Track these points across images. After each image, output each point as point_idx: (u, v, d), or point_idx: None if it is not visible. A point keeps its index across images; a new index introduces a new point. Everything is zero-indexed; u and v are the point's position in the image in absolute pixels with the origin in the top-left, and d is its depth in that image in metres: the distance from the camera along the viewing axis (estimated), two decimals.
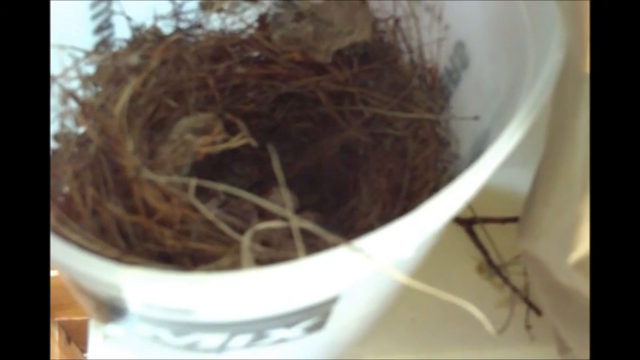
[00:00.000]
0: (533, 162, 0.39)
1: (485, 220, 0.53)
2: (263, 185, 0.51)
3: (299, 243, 0.30)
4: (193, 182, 0.36)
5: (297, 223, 0.31)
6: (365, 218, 0.43)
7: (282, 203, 0.49)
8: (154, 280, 0.27)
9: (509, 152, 0.30)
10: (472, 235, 0.54)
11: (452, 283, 0.52)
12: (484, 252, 0.53)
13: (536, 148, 0.38)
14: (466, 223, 0.54)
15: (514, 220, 0.52)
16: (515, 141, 0.31)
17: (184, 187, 0.37)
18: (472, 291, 0.52)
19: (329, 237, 0.30)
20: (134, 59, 0.41)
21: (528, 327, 0.51)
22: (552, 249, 0.36)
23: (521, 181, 0.42)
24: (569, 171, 0.34)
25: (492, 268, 0.53)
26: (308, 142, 0.50)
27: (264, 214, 0.48)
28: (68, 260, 0.28)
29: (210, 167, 0.49)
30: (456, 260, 0.54)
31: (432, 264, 0.39)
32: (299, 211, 0.49)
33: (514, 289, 0.52)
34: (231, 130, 0.42)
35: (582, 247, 0.34)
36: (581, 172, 0.33)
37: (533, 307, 0.51)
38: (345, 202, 0.47)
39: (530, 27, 0.36)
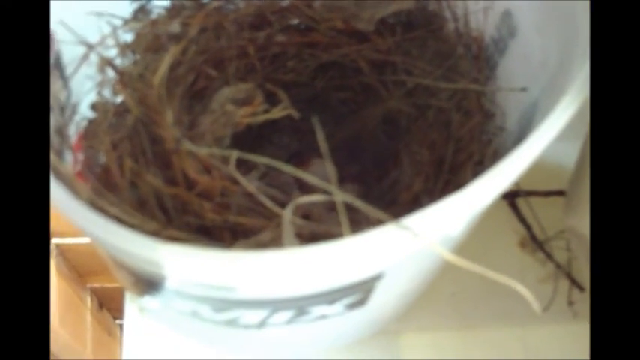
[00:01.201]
0: (579, 135, 0.38)
1: (529, 194, 0.52)
2: (302, 156, 0.50)
3: (344, 219, 0.29)
4: (234, 155, 0.35)
5: (340, 197, 0.30)
6: (407, 191, 0.42)
7: (324, 176, 0.49)
8: (195, 256, 0.27)
9: (560, 129, 0.29)
10: (515, 208, 0.52)
11: (494, 257, 0.50)
12: (527, 226, 0.52)
13: (583, 120, 0.37)
14: (509, 196, 0.53)
15: (558, 193, 0.51)
16: (567, 118, 0.30)
17: (225, 160, 0.37)
18: (514, 266, 0.51)
19: (374, 212, 0.29)
20: (175, 27, 0.40)
21: (571, 303, 0.50)
22: None
23: (567, 154, 0.41)
24: None
25: (535, 242, 0.52)
26: (349, 112, 0.49)
27: (304, 187, 0.48)
28: (106, 235, 0.28)
29: (250, 138, 0.48)
30: (499, 234, 0.52)
31: (473, 238, 0.38)
32: (339, 182, 0.48)
33: (557, 265, 0.51)
34: (271, 100, 0.41)
35: None
36: None
37: (576, 284, 0.50)
38: (387, 175, 0.46)
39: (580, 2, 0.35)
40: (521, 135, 0.38)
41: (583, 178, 0.37)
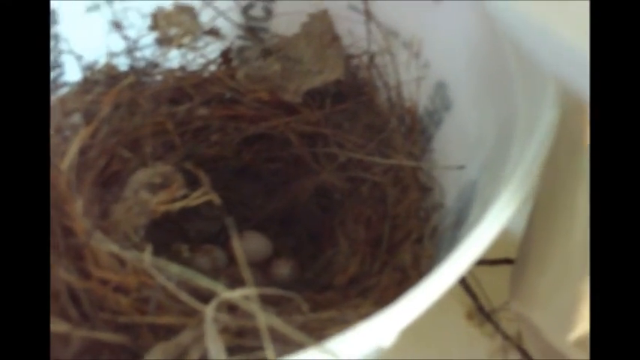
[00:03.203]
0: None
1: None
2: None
3: (268, 344, 0.26)
4: (148, 251, 0.32)
5: (263, 319, 0.27)
6: (343, 274, 0.39)
7: (257, 249, 0.46)
8: None
9: (498, 231, 0.27)
10: (460, 279, 0.50)
11: (440, 331, 0.49)
12: (473, 297, 0.50)
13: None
14: None
15: (505, 262, 0.49)
16: (507, 215, 0.28)
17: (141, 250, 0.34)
18: (462, 339, 0.49)
19: (297, 335, 0.26)
20: (75, 119, 0.37)
21: None
22: (550, 322, 0.33)
23: (513, 220, 0.39)
24: (567, 248, 0.31)
25: (482, 314, 0.49)
26: (280, 183, 0.47)
27: (234, 261, 0.45)
28: None
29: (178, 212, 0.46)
30: (444, 307, 0.50)
31: None
32: (273, 256, 0.46)
33: (506, 337, 0.49)
34: (193, 178, 0.39)
35: (583, 327, 0.31)
36: (580, 251, 0.30)
37: (527, 356, 0.48)
38: (322, 251, 0.44)
39: (519, 76, 0.33)
40: (460, 215, 0.36)
41: (529, 266, 0.35)
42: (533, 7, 0.25)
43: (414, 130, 0.42)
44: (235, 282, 0.30)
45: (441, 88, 0.40)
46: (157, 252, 0.33)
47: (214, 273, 0.37)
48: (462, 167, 0.37)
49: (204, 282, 0.30)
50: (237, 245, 0.29)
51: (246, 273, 0.29)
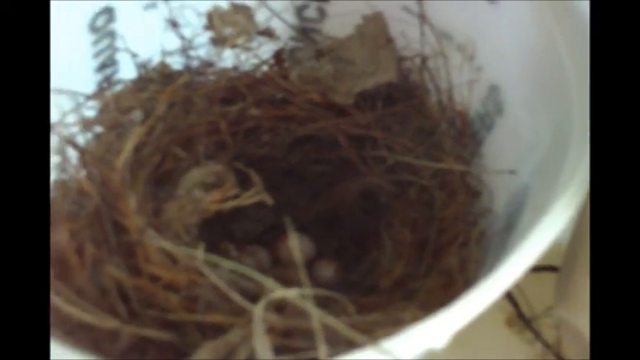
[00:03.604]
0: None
1: None
2: (278, 229, 0.47)
3: (320, 342, 0.26)
4: (201, 248, 0.32)
5: (317, 316, 0.27)
6: (388, 276, 0.39)
7: (301, 251, 0.46)
8: None
9: (553, 239, 0.27)
10: None
11: (480, 337, 0.48)
12: (514, 304, 0.49)
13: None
14: None
15: (548, 269, 0.48)
16: (562, 223, 0.28)
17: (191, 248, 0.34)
18: (501, 346, 0.49)
19: (351, 334, 0.26)
20: (137, 114, 0.37)
21: None
22: None
23: None
24: None
25: (523, 321, 0.49)
26: (326, 185, 0.47)
27: (279, 263, 0.45)
28: None
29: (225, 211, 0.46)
30: (485, 313, 0.50)
31: None
32: (316, 258, 0.46)
33: (546, 344, 0.48)
34: (243, 178, 0.39)
35: None
36: None
37: None
38: (366, 253, 0.44)
39: (575, 81, 0.33)
40: (510, 220, 0.36)
41: (575, 268, 0.35)
42: None
43: (464, 133, 0.42)
44: (280, 283, 0.31)
45: (493, 91, 0.40)
46: (208, 251, 0.34)
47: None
48: (513, 172, 0.37)
49: (258, 277, 0.30)
50: (295, 244, 0.29)
51: (301, 272, 0.29)
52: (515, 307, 0.49)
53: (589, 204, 0.34)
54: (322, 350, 0.27)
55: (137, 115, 0.38)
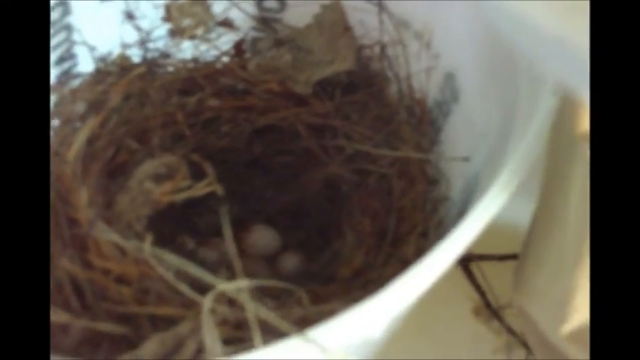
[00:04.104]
0: (535, 193, 0.36)
1: (482, 258, 0.49)
2: (243, 222, 0.47)
3: (256, 332, 0.26)
4: (148, 241, 0.32)
5: (253, 309, 0.27)
6: (347, 266, 0.39)
7: (266, 243, 0.47)
8: None
9: (489, 219, 0.27)
10: (468, 274, 0.50)
11: (446, 326, 0.48)
12: (481, 293, 0.49)
13: (539, 178, 0.34)
14: (462, 260, 0.50)
15: (513, 257, 0.48)
16: (499, 203, 0.28)
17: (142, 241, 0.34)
18: (468, 335, 0.49)
19: (283, 326, 0.26)
20: (80, 107, 0.37)
21: None
22: (546, 315, 0.33)
23: (522, 214, 0.38)
24: (562, 239, 0.31)
25: (490, 310, 0.49)
26: (290, 175, 0.47)
27: (243, 254, 0.45)
28: None
29: (186, 205, 0.46)
30: (451, 302, 0.50)
31: (424, 306, 0.35)
32: (282, 249, 0.46)
33: (512, 333, 0.48)
34: (201, 170, 0.39)
35: (575, 319, 0.31)
36: (573, 242, 0.30)
37: (532, 354, 0.47)
38: (329, 244, 0.44)
39: (523, 67, 0.33)
40: (463, 206, 0.36)
41: (529, 259, 0.35)
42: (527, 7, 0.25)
43: (423, 121, 0.41)
44: (246, 275, 0.31)
45: (450, 78, 0.40)
46: (163, 244, 0.34)
47: (221, 266, 0.37)
48: (467, 159, 0.37)
49: (199, 273, 0.31)
50: (228, 235, 0.29)
51: (237, 263, 0.29)
52: (482, 297, 0.49)
53: (539, 191, 0.34)
54: (257, 339, 0.27)
55: (80, 107, 0.38)
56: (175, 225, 0.42)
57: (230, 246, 0.28)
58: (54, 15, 0.40)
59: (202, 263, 0.36)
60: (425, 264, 0.27)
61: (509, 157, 0.30)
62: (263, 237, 0.46)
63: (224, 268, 0.37)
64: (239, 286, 0.29)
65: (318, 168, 0.44)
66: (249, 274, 0.31)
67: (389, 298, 0.26)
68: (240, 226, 0.47)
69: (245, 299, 0.28)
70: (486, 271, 0.49)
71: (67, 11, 0.41)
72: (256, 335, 0.27)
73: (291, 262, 0.44)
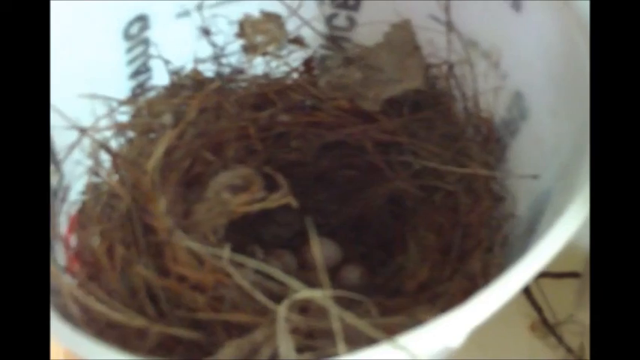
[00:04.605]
0: None
1: (541, 275, 0.50)
2: (305, 235, 0.48)
3: (340, 339, 0.27)
4: (227, 249, 0.33)
5: (336, 312, 0.28)
6: (413, 279, 0.40)
7: (327, 256, 0.47)
8: None
9: (566, 241, 0.28)
10: (526, 290, 0.50)
11: (503, 342, 0.48)
12: (538, 309, 0.50)
13: None
14: None
15: (571, 275, 0.49)
16: (575, 225, 0.28)
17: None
18: (524, 351, 0.49)
19: (370, 330, 0.27)
20: (167, 119, 0.39)
21: None
22: None
23: (580, 231, 0.39)
24: None
25: (546, 326, 0.49)
26: (354, 190, 0.48)
27: (305, 266, 0.46)
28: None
29: (253, 216, 0.47)
30: (508, 318, 0.50)
31: None
32: (343, 262, 0.47)
33: (569, 350, 0.48)
34: (272, 183, 0.40)
35: None
36: None
37: None
38: (392, 257, 0.44)
39: None
40: (532, 224, 0.36)
41: None
42: None
43: (489, 139, 0.42)
44: (306, 285, 0.31)
45: (518, 98, 0.40)
46: (233, 252, 0.35)
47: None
48: (536, 176, 0.37)
49: (281, 277, 0.31)
50: (316, 246, 0.30)
51: (323, 274, 0.29)
52: (538, 313, 0.50)
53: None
54: (341, 347, 0.27)
55: (167, 119, 0.39)
56: (244, 236, 0.43)
57: (316, 254, 0.29)
58: (133, 29, 0.41)
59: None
60: (505, 278, 0.27)
61: (584, 178, 0.30)
62: (324, 249, 0.47)
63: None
64: (324, 294, 0.30)
65: (383, 183, 0.45)
66: (311, 284, 0.32)
67: (471, 310, 0.27)
68: (303, 240, 0.48)
69: (330, 305, 0.28)
70: (543, 288, 0.50)
71: (146, 26, 0.42)
72: (340, 342, 0.27)
73: (352, 274, 0.45)
